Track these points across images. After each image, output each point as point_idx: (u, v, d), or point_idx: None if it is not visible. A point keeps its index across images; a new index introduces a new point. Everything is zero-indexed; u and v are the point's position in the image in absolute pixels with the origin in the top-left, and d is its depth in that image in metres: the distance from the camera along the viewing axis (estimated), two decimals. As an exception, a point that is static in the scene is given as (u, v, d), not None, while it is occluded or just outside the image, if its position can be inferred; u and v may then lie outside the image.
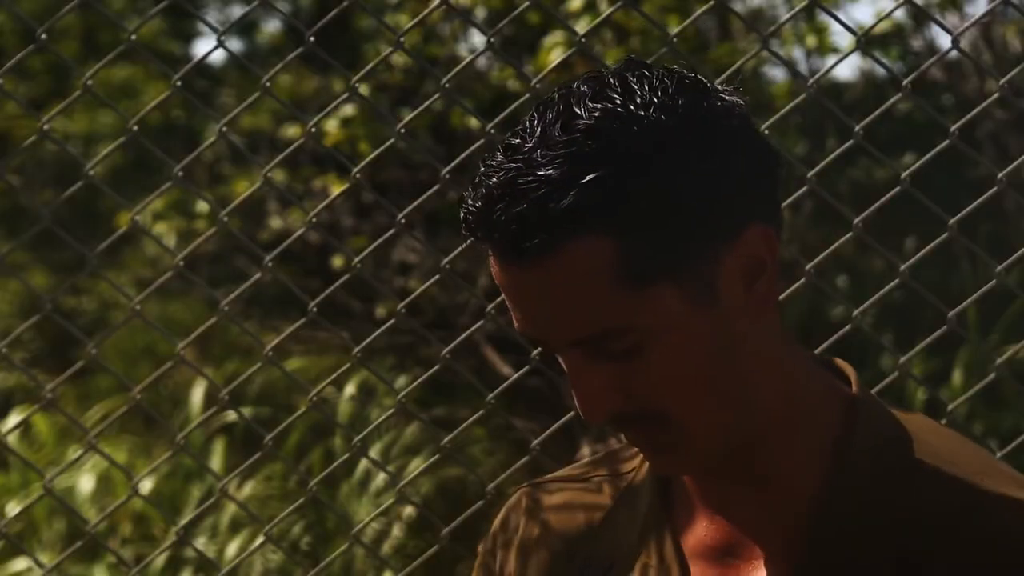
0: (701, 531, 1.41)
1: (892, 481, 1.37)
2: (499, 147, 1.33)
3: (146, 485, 4.88)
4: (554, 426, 2.70)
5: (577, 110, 1.29)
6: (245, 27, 9.47)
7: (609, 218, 1.27)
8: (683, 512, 1.43)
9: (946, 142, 2.56)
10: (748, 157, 1.32)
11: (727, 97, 1.33)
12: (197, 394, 5.58)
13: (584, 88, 1.31)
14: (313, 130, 2.76)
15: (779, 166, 1.35)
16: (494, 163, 1.31)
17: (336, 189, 5.02)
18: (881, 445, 1.39)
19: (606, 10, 4.52)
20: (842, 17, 2.72)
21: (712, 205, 1.29)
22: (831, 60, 5.46)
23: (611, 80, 1.32)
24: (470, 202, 1.32)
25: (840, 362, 1.47)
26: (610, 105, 1.29)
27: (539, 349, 2.66)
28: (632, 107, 1.29)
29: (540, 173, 1.28)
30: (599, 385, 1.31)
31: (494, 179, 1.30)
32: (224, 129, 2.75)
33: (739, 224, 1.31)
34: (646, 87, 1.30)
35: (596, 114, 1.28)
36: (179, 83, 2.71)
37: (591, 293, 1.28)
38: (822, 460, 1.38)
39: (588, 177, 1.27)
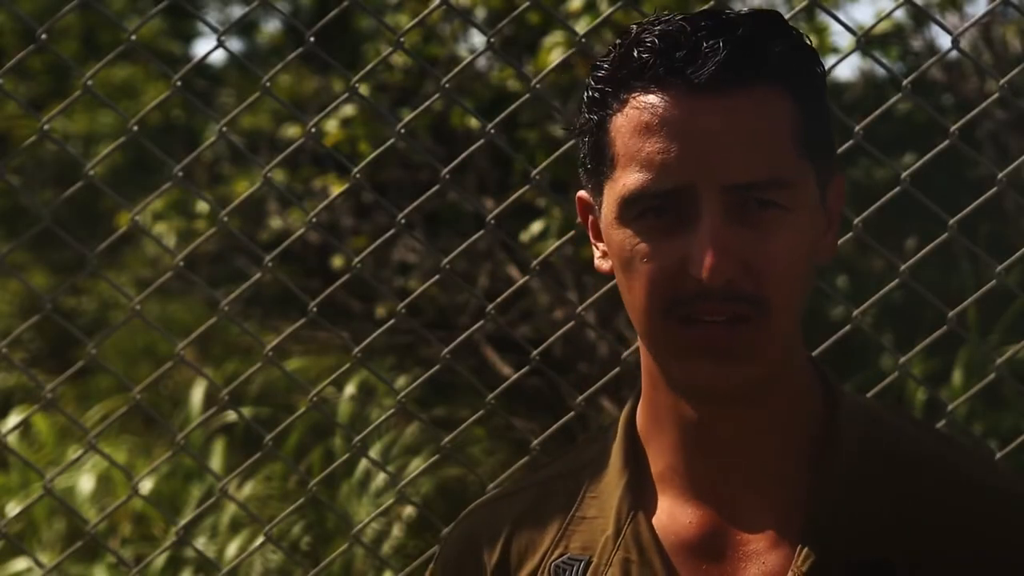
0: (686, 521, 1.41)
1: (880, 463, 1.39)
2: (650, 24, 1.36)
3: (146, 485, 4.88)
4: (554, 426, 2.70)
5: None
6: (245, 27, 9.47)
7: (794, 80, 1.35)
8: (664, 502, 1.42)
9: (946, 142, 2.56)
10: None
11: None
12: (197, 394, 5.58)
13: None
14: (313, 130, 2.76)
15: None
16: (663, 22, 1.35)
17: (336, 189, 5.02)
18: (867, 436, 1.41)
19: (606, 10, 4.52)
20: (842, 17, 2.72)
21: (832, 138, 1.41)
22: (831, 60, 5.46)
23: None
24: (652, 39, 1.34)
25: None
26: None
27: (539, 349, 2.67)
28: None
29: (748, 18, 1.35)
30: (730, 247, 1.32)
31: (683, 22, 1.34)
32: (224, 129, 2.75)
33: (835, 167, 1.42)
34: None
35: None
36: (179, 83, 2.71)
37: (772, 137, 1.33)
38: (813, 435, 1.40)
39: (782, 35, 1.36)
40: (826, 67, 1.42)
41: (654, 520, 1.41)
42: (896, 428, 1.42)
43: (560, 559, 1.44)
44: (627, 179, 1.34)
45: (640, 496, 1.42)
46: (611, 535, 1.42)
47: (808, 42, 1.39)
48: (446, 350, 2.68)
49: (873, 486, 1.38)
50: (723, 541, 1.39)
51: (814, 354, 2.50)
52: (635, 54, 1.34)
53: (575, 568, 1.43)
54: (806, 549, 1.35)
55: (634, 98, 1.34)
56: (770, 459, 1.39)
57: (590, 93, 1.38)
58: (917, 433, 1.43)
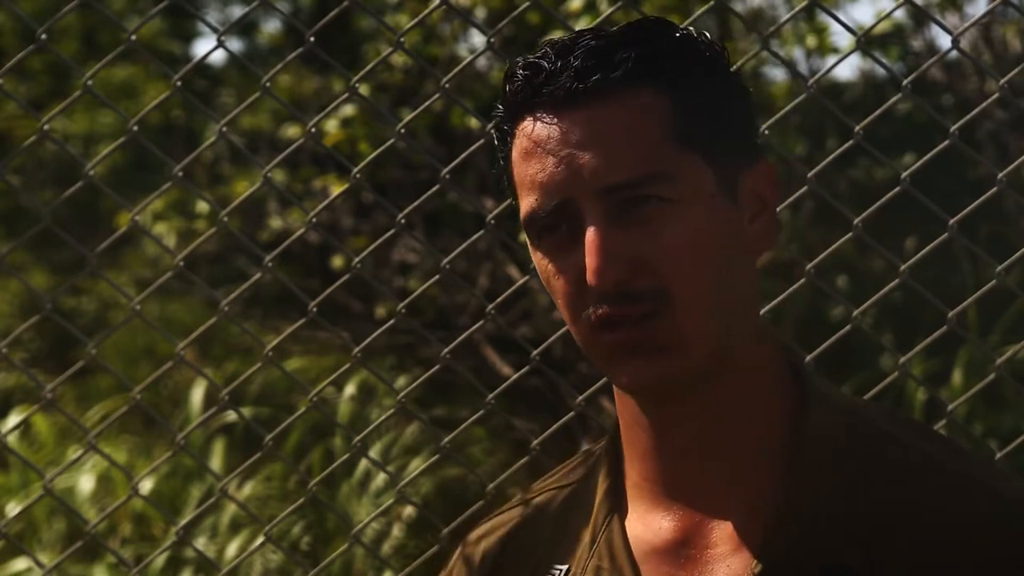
0: (657, 527, 1.41)
1: (849, 459, 1.39)
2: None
3: (146, 485, 4.88)
4: (554, 426, 2.70)
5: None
6: (245, 27, 9.47)
7: (667, 76, 1.38)
8: (638, 510, 1.43)
9: (946, 142, 2.55)
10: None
11: None
12: (197, 394, 5.58)
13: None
14: (313, 130, 2.75)
15: None
16: (539, 49, 1.40)
17: (336, 189, 5.02)
18: (839, 434, 1.40)
19: (606, 10, 4.52)
20: (842, 17, 2.72)
21: (744, 122, 1.42)
22: (831, 60, 5.46)
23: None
24: (520, 70, 1.39)
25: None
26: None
27: (539, 349, 2.67)
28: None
29: (603, 35, 1.39)
30: (615, 250, 1.35)
31: (548, 47, 1.39)
32: (224, 129, 2.75)
33: (756, 152, 1.42)
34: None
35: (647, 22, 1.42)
36: (179, 83, 2.71)
37: (644, 134, 1.36)
38: (782, 434, 1.40)
39: (653, 38, 1.39)
40: (729, 62, 1.43)
41: (629, 528, 1.43)
42: (870, 423, 1.42)
43: (544, 571, 1.46)
44: (523, 205, 1.39)
45: (617, 504, 1.44)
46: (587, 543, 1.44)
47: (695, 40, 1.41)
48: (446, 350, 2.68)
49: (841, 482, 1.38)
50: (692, 545, 1.40)
51: (814, 354, 2.51)
52: (507, 89, 1.40)
53: (556, 572, 1.45)
54: (760, 554, 1.36)
55: (517, 129, 1.40)
56: (735, 459, 1.40)
57: (494, 135, 1.44)
58: (892, 428, 1.42)
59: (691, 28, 1.43)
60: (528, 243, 1.42)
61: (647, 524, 1.42)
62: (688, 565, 1.39)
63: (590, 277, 1.35)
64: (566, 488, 1.51)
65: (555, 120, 1.37)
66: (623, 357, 1.37)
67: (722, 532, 1.39)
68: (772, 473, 1.39)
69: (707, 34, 1.43)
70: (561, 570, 1.45)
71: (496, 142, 1.44)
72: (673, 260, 1.35)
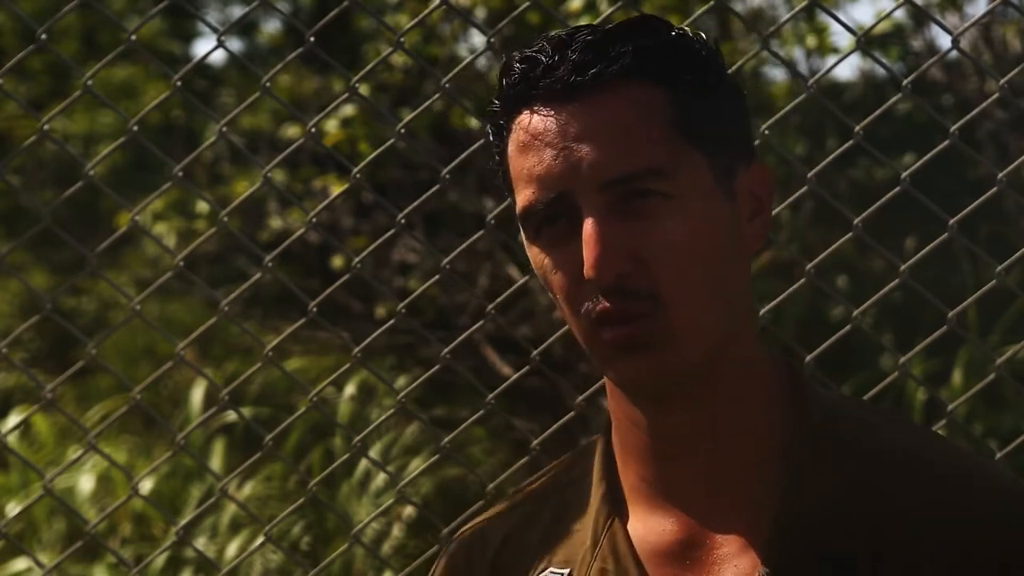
0: (659, 529, 1.41)
1: (849, 459, 1.39)
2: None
3: (146, 485, 4.88)
4: (554, 426, 2.70)
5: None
6: (245, 27, 9.46)
7: (666, 72, 1.36)
8: (638, 512, 1.43)
9: (946, 142, 2.55)
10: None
11: None
12: (197, 394, 5.58)
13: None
14: (313, 130, 2.76)
15: None
16: (536, 44, 1.39)
17: (336, 189, 5.02)
18: (834, 430, 1.40)
19: (606, 10, 4.52)
20: (842, 17, 2.72)
21: (739, 122, 1.41)
22: (831, 60, 5.46)
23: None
24: (517, 63, 1.38)
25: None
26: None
27: (539, 349, 2.67)
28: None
29: (600, 29, 1.37)
30: (614, 243, 1.34)
31: (545, 42, 1.38)
32: (224, 129, 2.75)
33: (751, 153, 1.42)
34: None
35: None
36: (179, 83, 2.71)
37: (643, 128, 1.35)
38: (781, 432, 1.40)
39: (650, 33, 1.38)
40: (725, 63, 1.43)
41: (630, 529, 1.42)
42: (868, 423, 1.42)
43: (542, 573, 1.45)
44: (519, 199, 1.38)
45: (616, 506, 1.43)
46: (589, 546, 1.43)
47: (693, 37, 1.41)
48: (446, 350, 2.68)
49: (840, 481, 1.38)
50: (696, 546, 1.39)
51: (814, 354, 2.51)
52: (504, 83, 1.39)
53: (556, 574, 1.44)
54: (766, 554, 1.36)
55: (513, 123, 1.39)
56: (735, 458, 1.39)
57: (489, 130, 1.43)
58: (890, 427, 1.42)
59: (687, 28, 1.43)
60: (524, 238, 1.41)
61: (648, 526, 1.41)
62: (695, 567, 1.38)
63: (588, 270, 1.34)
64: (559, 489, 1.50)
65: (553, 113, 1.36)
66: (619, 354, 1.36)
67: (726, 532, 1.38)
68: (773, 472, 1.39)
69: (703, 34, 1.42)
70: (562, 573, 1.44)
71: (491, 137, 1.43)
72: (670, 257, 1.34)
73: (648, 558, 1.40)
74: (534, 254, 1.39)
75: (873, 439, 1.40)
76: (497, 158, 1.43)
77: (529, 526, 1.49)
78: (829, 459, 1.38)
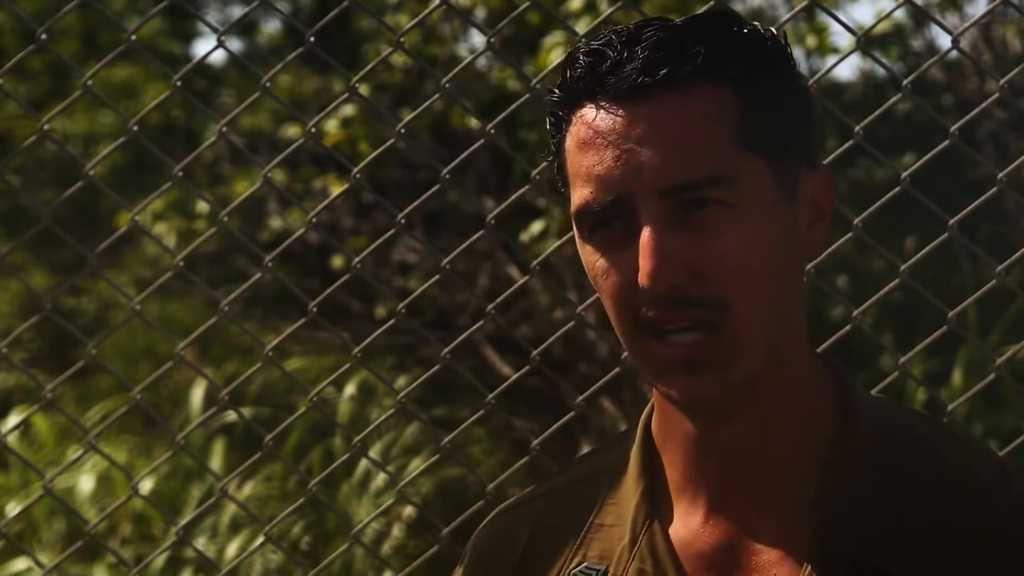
0: (699, 530, 1.40)
1: (893, 468, 1.37)
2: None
3: (146, 485, 4.88)
4: (554, 426, 2.70)
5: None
6: (245, 27, 9.47)
7: (736, 74, 1.33)
8: (677, 512, 1.41)
9: (946, 142, 2.55)
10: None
11: None
12: (197, 394, 5.58)
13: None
14: (313, 130, 2.75)
15: None
16: (602, 37, 1.36)
17: (336, 189, 5.02)
18: (881, 440, 1.39)
19: (606, 10, 4.52)
20: (842, 17, 2.72)
21: (806, 125, 1.38)
22: (831, 60, 5.46)
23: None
24: (584, 56, 1.35)
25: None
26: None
27: (539, 349, 2.67)
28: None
29: (669, 26, 1.34)
30: (672, 254, 1.31)
31: (614, 35, 1.35)
32: (224, 129, 2.75)
33: (815, 157, 1.39)
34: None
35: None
36: (179, 83, 2.71)
37: (708, 134, 1.32)
38: (825, 439, 1.39)
39: (722, 32, 1.34)
40: (796, 62, 1.39)
41: (670, 530, 1.40)
42: (915, 434, 1.40)
43: (578, 567, 1.44)
44: (575, 196, 1.35)
45: (656, 505, 1.42)
46: (627, 544, 1.41)
47: (766, 36, 1.37)
48: (446, 350, 2.68)
49: (885, 492, 1.36)
50: (737, 552, 1.38)
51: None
52: (568, 75, 1.36)
53: (593, 572, 1.43)
54: (807, 561, 1.34)
55: (575, 116, 1.36)
56: (779, 466, 1.38)
57: (548, 119, 1.40)
58: (939, 440, 1.41)
59: (757, 23, 1.39)
60: (576, 234, 1.38)
61: (689, 526, 1.40)
62: (734, 573, 1.37)
63: (643, 279, 1.31)
64: (595, 476, 1.48)
65: (618, 112, 1.32)
66: (672, 372, 1.33)
67: (767, 538, 1.37)
68: (816, 482, 1.37)
69: (773, 30, 1.39)
70: (598, 570, 1.42)
71: (549, 127, 1.39)
72: (731, 269, 1.31)
73: (687, 560, 1.39)
74: (586, 253, 1.36)
75: (920, 452, 1.39)
76: (554, 149, 1.39)
77: (562, 515, 1.47)
78: (874, 471, 1.37)
